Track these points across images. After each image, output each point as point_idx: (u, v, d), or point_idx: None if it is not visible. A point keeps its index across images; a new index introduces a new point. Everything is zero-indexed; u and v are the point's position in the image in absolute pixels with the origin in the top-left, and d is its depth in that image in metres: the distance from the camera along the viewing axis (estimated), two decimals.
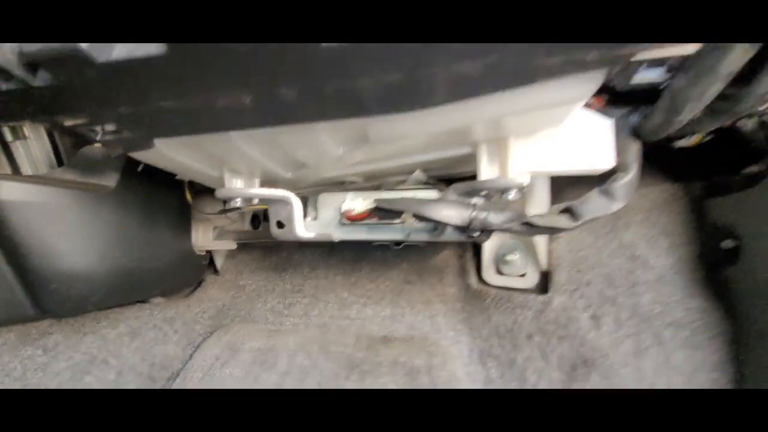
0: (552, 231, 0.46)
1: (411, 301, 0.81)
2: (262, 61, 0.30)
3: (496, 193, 0.50)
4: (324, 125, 0.41)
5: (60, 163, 0.60)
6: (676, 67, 0.31)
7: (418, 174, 0.56)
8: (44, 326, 0.62)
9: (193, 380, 0.73)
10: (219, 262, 0.96)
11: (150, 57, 0.30)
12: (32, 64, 0.31)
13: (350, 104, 0.34)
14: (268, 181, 0.59)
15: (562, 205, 0.46)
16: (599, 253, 0.60)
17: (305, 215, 0.63)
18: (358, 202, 0.57)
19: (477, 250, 0.80)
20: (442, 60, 0.30)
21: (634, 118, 0.47)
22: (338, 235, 0.59)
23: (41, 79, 0.32)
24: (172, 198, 0.75)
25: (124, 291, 0.68)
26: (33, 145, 0.58)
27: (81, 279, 0.59)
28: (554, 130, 0.46)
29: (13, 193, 0.52)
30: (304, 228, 0.60)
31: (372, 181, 0.62)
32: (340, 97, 0.33)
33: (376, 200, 0.48)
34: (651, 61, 0.30)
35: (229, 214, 0.82)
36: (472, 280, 0.77)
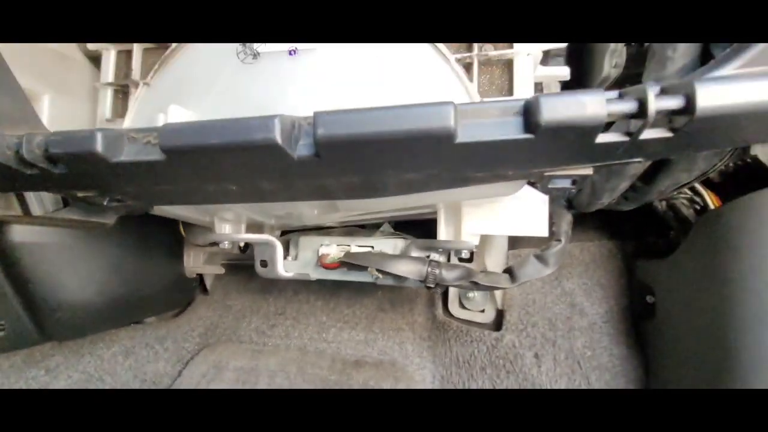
0: (494, 289, 0.54)
1: (383, 327, 0.88)
2: (245, 166, 0.37)
3: (450, 250, 0.58)
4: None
5: (65, 204, 0.66)
6: (581, 180, 0.39)
7: (386, 227, 0.64)
8: (47, 349, 0.69)
9: None
10: (208, 282, 1.02)
11: (152, 161, 0.37)
12: (54, 159, 0.38)
13: (320, 194, 0.42)
14: (253, 225, 0.67)
15: (518, 253, 0.53)
16: (545, 297, 0.68)
17: (287, 255, 0.70)
18: (333, 248, 0.64)
19: None
20: (392, 172, 0.37)
21: (569, 192, 0.55)
22: (315, 275, 0.67)
23: (60, 168, 0.39)
24: (166, 231, 0.82)
25: (120, 315, 0.74)
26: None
27: (82, 308, 0.66)
28: (498, 201, 0.54)
29: (24, 235, 0.58)
30: (284, 268, 0.67)
31: (347, 225, 0.70)
32: (311, 189, 0.41)
33: (345, 255, 0.56)
34: (559, 176, 0.38)
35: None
36: (439, 311, 0.85)
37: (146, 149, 0.37)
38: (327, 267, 0.61)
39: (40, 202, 0.66)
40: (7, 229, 0.56)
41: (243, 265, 1.07)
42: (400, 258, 0.56)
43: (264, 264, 0.68)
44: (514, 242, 0.75)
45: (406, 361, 0.82)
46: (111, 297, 0.70)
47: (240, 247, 1.00)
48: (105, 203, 0.47)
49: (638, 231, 0.63)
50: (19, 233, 0.57)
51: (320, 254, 0.64)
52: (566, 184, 0.40)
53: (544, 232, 0.53)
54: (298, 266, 0.68)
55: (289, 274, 0.67)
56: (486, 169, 0.36)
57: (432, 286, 0.57)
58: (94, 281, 0.67)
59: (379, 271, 0.55)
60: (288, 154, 0.34)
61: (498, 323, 0.75)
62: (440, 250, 0.58)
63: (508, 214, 0.54)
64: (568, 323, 0.65)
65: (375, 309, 0.91)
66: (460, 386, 0.74)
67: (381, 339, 0.87)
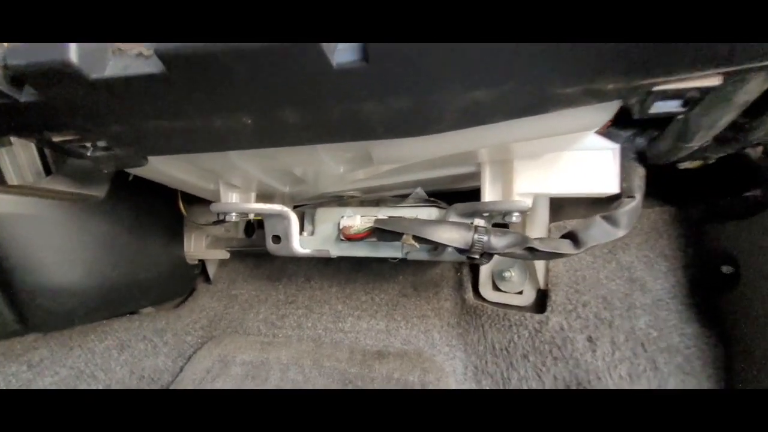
0: (554, 256, 0.45)
1: (406, 314, 0.80)
2: (265, 83, 0.29)
3: (498, 215, 0.50)
4: (326, 146, 0.40)
5: (48, 171, 0.58)
6: (695, 99, 0.31)
7: (420, 192, 0.56)
8: (29, 341, 0.60)
9: None
10: (212, 270, 0.94)
11: (147, 75, 0.28)
12: (18, 79, 0.30)
13: (355, 128, 0.33)
14: (264, 195, 0.58)
15: (563, 225, 0.45)
16: (597, 273, 0.60)
17: (302, 230, 0.61)
18: (357, 219, 0.56)
19: (473, 265, 0.80)
20: (455, 87, 0.29)
21: (641, 141, 0.46)
22: (336, 251, 0.58)
23: (27, 95, 0.30)
24: (165, 208, 0.74)
25: (113, 304, 0.66)
26: (19, 153, 0.55)
27: (68, 293, 0.57)
28: (558, 155, 0.46)
29: None
30: (300, 244, 0.58)
31: (371, 196, 0.62)
32: (345, 121, 0.32)
33: (376, 221, 0.47)
34: (669, 92, 0.30)
35: (224, 223, 0.81)
36: (469, 295, 0.76)
37: (138, 62, 0.28)
38: (351, 238, 0.53)
39: (17, 169, 0.57)
40: None
41: (249, 253, 0.98)
42: (440, 223, 0.47)
43: (277, 240, 0.60)
44: (556, 213, 0.67)
45: (434, 351, 0.74)
46: (101, 281, 0.61)
47: (246, 232, 0.92)
48: (89, 153, 0.38)
49: (707, 191, 0.55)
50: None
51: (342, 226, 0.56)
52: (674, 107, 0.32)
53: (614, 188, 0.45)
54: (315, 242, 0.59)
55: (305, 251, 0.59)
56: (579, 80, 0.28)
57: (477, 256, 0.49)
58: (80, 262, 0.58)
59: (416, 239, 0.46)
60: (326, 60, 0.25)
61: (540, 305, 0.67)
62: (486, 214, 0.49)
63: (571, 168, 0.46)
64: (626, 301, 0.56)
65: (396, 295, 0.82)
66: (497, 376, 0.66)
67: (404, 327, 0.78)
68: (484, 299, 0.75)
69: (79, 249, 0.58)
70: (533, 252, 0.45)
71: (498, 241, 0.46)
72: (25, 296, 0.54)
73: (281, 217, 0.57)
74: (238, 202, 0.55)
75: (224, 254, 0.83)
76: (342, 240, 0.58)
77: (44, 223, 0.54)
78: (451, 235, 0.46)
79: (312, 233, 0.61)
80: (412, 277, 0.84)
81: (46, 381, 0.61)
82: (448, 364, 0.71)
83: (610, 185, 0.45)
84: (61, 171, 0.58)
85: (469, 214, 0.50)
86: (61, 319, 0.58)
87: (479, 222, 0.50)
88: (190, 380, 0.74)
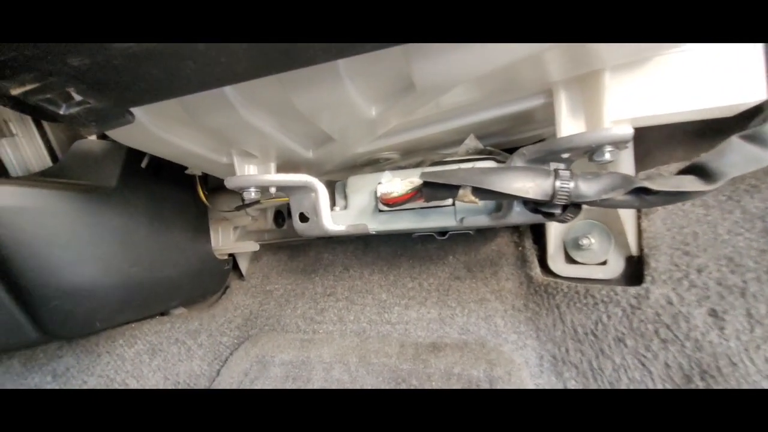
0: (676, 198, 0.33)
1: (461, 299, 0.69)
2: None
3: (581, 156, 0.38)
4: (351, 72, 0.30)
5: (54, 157, 0.52)
6: None
7: (471, 141, 0.45)
8: (52, 349, 0.55)
9: None
10: (244, 266, 0.88)
11: None
12: None
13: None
14: (286, 165, 0.49)
15: (656, 173, 0.33)
16: (714, 228, 0.46)
17: (333, 205, 0.52)
18: (397, 183, 0.45)
19: (538, 235, 0.67)
20: None
21: None
22: (375, 225, 0.49)
23: None
24: (185, 197, 0.67)
25: (137, 304, 0.60)
26: (21, 143, 0.51)
27: (85, 294, 0.52)
28: (669, 57, 0.33)
29: None
30: (332, 220, 0.49)
31: (411, 158, 0.51)
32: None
33: (423, 174, 0.37)
34: None
35: (250, 211, 0.74)
36: (536, 271, 0.64)
37: None
38: (393, 203, 0.43)
39: (21, 160, 0.52)
40: None
41: (281, 245, 0.91)
42: (509, 170, 0.36)
43: (304, 218, 0.51)
44: (640, 161, 0.53)
45: (499, 340, 0.63)
46: (121, 279, 0.55)
47: (276, 223, 0.84)
48: (62, 111, 0.30)
49: None
50: None
51: (380, 193, 0.46)
52: None
53: (760, 94, 0.32)
54: (350, 216, 0.50)
55: (339, 228, 0.49)
56: None
57: (558, 211, 0.37)
58: (97, 258, 0.52)
59: (477, 193, 0.35)
60: None
61: (633, 276, 0.53)
62: (565, 155, 0.38)
63: (692, 75, 0.33)
64: (763, 260, 0.42)
65: (447, 278, 0.72)
66: (584, 366, 0.54)
67: (460, 315, 0.67)
68: (555, 275, 0.62)
69: (92, 244, 0.52)
70: (644, 195, 0.33)
71: (589, 185, 0.34)
72: (38, 299, 0.48)
73: (307, 189, 0.48)
74: (255, 173, 0.46)
75: (254, 246, 0.76)
76: (381, 211, 0.48)
77: (52, 216, 0.48)
78: (525, 184, 0.35)
79: (345, 207, 0.51)
80: (464, 257, 0.72)
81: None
82: (518, 355, 0.60)
83: (755, 92, 0.32)
84: (67, 158, 0.53)
85: (541, 159, 0.39)
86: (81, 323, 0.53)
87: (558, 166, 0.38)
88: (227, 384, 0.67)
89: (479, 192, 0.36)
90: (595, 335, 0.53)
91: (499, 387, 0.55)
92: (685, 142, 0.52)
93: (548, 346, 0.59)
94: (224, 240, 0.77)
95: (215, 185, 0.75)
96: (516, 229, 0.71)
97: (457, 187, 0.36)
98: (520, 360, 0.59)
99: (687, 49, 0.32)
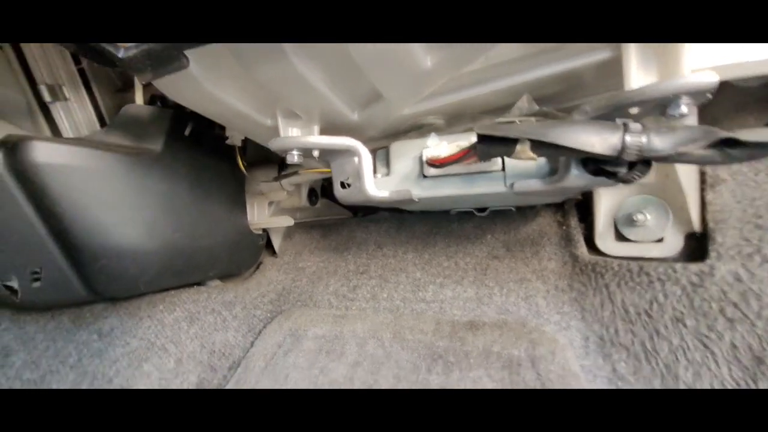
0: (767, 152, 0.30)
1: (499, 279, 0.67)
2: None
3: (651, 111, 0.35)
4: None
5: (102, 121, 0.54)
6: None
7: (525, 101, 0.42)
8: (98, 309, 0.57)
9: (255, 370, 0.65)
10: (277, 243, 0.88)
11: None
12: None
13: None
14: (329, 129, 0.49)
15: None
16: None
17: (375, 173, 0.51)
18: (444, 147, 0.44)
19: (584, 213, 0.64)
20: None
21: None
22: (418, 191, 0.47)
23: None
24: (224, 168, 0.68)
25: (177, 271, 0.61)
26: (74, 107, 0.52)
27: (130, 255, 0.53)
28: None
29: (51, 155, 0.45)
30: (374, 185, 0.48)
31: (457, 124, 0.49)
32: None
33: (479, 127, 0.35)
34: None
35: (285, 187, 0.74)
36: (582, 250, 0.61)
37: None
38: (443, 163, 0.41)
39: (72, 122, 0.54)
40: (27, 146, 0.44)
41: (313, 224, 0.91)
42: (573, 124, 0.34)
43: (345, 185, 0.50)
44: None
45: (540, 320, 0.60)
46: (164, 244, 0.56)
47: (309, 201, 0.84)
48: (121, 54, 0.30)
49: None
50: (43, 152, 0.44)
51: (427, 157, 0.45)
52: None
53: None
54: (393, 182, 0.49)
55: (382, 194, 0.48)
56: None
57: (625, 169, 0.35)
58: (142, 222, 0.53)
59: (537, 148, 0.33)
60: None
61: (694, 254, 0.50)
62: (634, 110, 0.35)
63: None
64: None
65: (485, 257, 0.70)
66: (636, 348, 0.50)
67: (498, 294, 0.65)
68: (604, 254, 0.59)
69: (137, 207, 0.53)
70: (729, 149, 0.30)
71: (664, 138, 0.32)
72: (88, 257, 0.50)
73: (350, 153, 0.47)
74: (299, 135, 0.46)
75: (289, 221, 0.76)
76: (426, 177, 0.47)
77: (102, 177, 0.49)
78: (590, 138, 0.33)
79: (387, 174, 0.50)
80: (503, 236, 0.70)
81: (117, 351, 0.57)
82: (562, 335, 0.57)
83: None
84: (115, 122, 0.54)
85: (606, 116, 0.36)
86: (125, 285, 0.54)
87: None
88: (261, 355, 0.68)
89: (539, 147, 0.34)
90: (649, 315, 0.50)
91: (542, 367, 0.53)
92: (758, 110, 0.48)
93: (595, 327, 0.56)
94: (259, 215, 0.78)
95: (252, 159, 0.75)
96: (560, 207, 0.67)
97: (514, 142, 0.34)
98: (565, 340, 0.57)
99: None
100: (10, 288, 0.45)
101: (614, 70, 0.37)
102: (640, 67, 0.34)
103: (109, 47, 0.30)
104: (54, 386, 0.50)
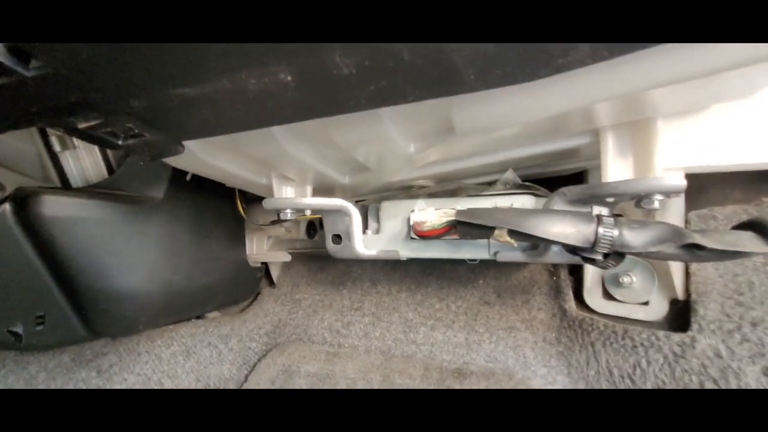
0: (730, 257, 0.31)
1: (489, 326, 0.67)
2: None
3: (626, 200, 0.36)
4: (392, 114, 0.30)
5: (110, 169, 0.56)
6: None
7: (510, 175, 0.44)
8: (98, 346, 0.59)
9: None
10: (275, 273, 0.90)
11: None
12: (21, 51, 0.24)
13: (436, 76, 0.23)
14: (322, 188, 0.50)
15: (709, 214, 0.30)
16: None
17: (365, 228, 0.53)
18: (430, 213, 0.45)
19: (574, 266, 0.65)
20: None
21: None
22: (406, 252, 0.48)
23: (34, 69, 0.25)
24: (225, 208, 0.70)
25: (177, 309, 0.63)
26: (82, 155, 0.55)
27: (130, 298, 0.55)
28: (728, 106, 0.31)
29: (58, 208, 0.48)
30: (363, 244, 0.50)
31: (447, 185, 0.51)
32: (422, 66, 0.22)
33: (458, 213, 0.36)
34: None
35: (283, 223, 0.76)
36: (570, 304, 0.62)
37: None
38: (425, 235, 0.43)
39: (81, 171, 0.56)
40: (36, 200, 0.46)
41: (312, 255, 0.93)
42: (548, 213, 0.35)
43: (337, 239, 0.52)
44: (693, 199, 0.50)
45: (527, 372, 0.61)
46: (164, 286, 0.58)
47: (308, 233, 0.86)
48: (120, 142, 0.33)
49: None
50: (51, 206, 0.47)
51: (413, 222, 0.46)
52: None
53: None
54: (381, 241, 0.50)
55: (370, 252, 0.50)
56: None
57: (600, 257, 0.36)
58: (143, 266, 0.56)
59: (514, 235, 0.35)
60: None
61: (677, 321, 0.50)
62: (609, 200, 0.36)
63: (752, 124, 0.31)
64: None
65: (476, 302, 0.70)
66: None
67: (488, 341, 0.66)
68: (591, 310, 0.60)
69: (139, 253, 0.55)
70: (696, 251, 0.31)
71: (636, 235, 0.33)
72: (89, 301, 0.52)
73: (341, 213, 0.49)
74: (293, 197, 0.47)
75: (286, 256, 0.78)
76: (413, 238, 0.48)
77: (106, 227, 0.52)
78: (565, 229, 0.34)
79: (377, 231, 0.52)
80: (495, 282, 0.71)
81: (115, 387, 0.59)
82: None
83: None
84: (119, 172, 0.57)
85: (583, 202, 0.37)
86: (127, 324, 0.56)
87: (601, 210, 0.37)
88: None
89: (516, 234, 0.35)
90: (632, 380, 0.51)
91: None
92: (744, 183, 0.48)
93: (580, 384, 0.57)
94: (258, 248, 0.80)
95: (252, 197, 0.77)
96: None
97: (492, 228, 0.35)
98: None
99: (747, 97, 0.30)
100: (14, 334, 0.48)
101: (594, 150, 0.38)
102: (617, 158, 0.35)
103: (110, 138, 0.32)
104: None
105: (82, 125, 0.31)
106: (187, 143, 0.37)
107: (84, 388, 0.56)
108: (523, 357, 0.62)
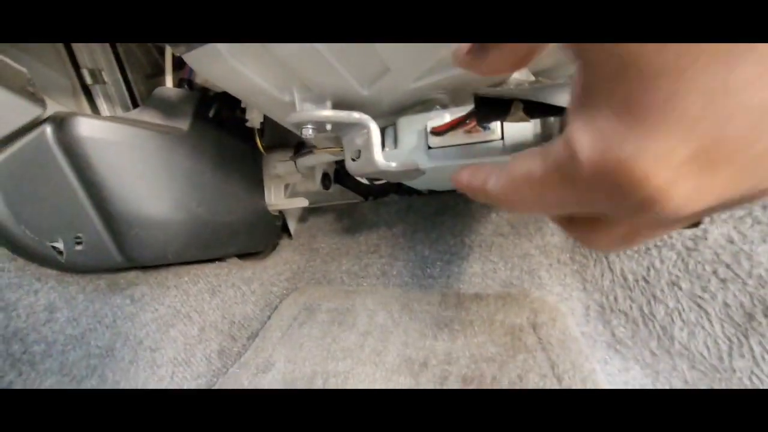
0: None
1: (504, 255, 0.69)
2: None
3: None
4: None
5: (134, 102, 0.59)
6: None
7: (521, 73, 0.45)
8: (131, 277, 0.62)
9: (272, 339, 0.70)
10: (292, 225, 0.93)
11: None
12: None
13: None
14: (341, 105, 0.53)
15: None
16: None
17: (384, 148, 0.55)
18: (446, 117, 0.47)
19: None
20: None
21: None
22: (425, 162, 0.50)
23: None
24: (244, 149, 0.73)
25: (201, 243, 0.66)
26: (111, 90, 0.57)
27: (159, 225, 0.58)
28: None
29: (93, 130, 0.51)
30: (383, 157, 0.52)
31: (461, 98, 0.53)
32: None
33: (474, 94, 0.38)
34: None
35: (299, 167, 0.78)
36: None
37: None
38: (442, 130, 0.45)
39: (109, 103, 0.59)
40: (73, 121, 0.49)
41: (327, 208, 0.95)
42: (563, 86, 0.37)
43: (357, 155, 0.54)
44: None
45: (543, 291, 0.63)
46: (189, 216, 0.61)
47: (323, 182, 0.88)
48: None
49: None
50: (86, 127, 0.50)
51: (430, 128, 0.48)
52: None
53: None
54: (400, 154, 0.52)
55: (390, 164, 0.52)
56: None
57: None
58: (170, 194, 0.58)
59: (530, 106, 0.36)
60: None
61: None
62: None
63: None
64: None
65: (490, 235, 0.72)
66: (634, 313, 0.53)
67: (503, 269, 0.68)
68: None
69: (166, 181, 0.58)
70: None
71: None
72: (123, 225, 0.55)
73: (360, 127, 0.51)
74: (313, 109, 0.50)
75: (304, 202, 0.80)
76: (431, 147, 0.50)
77: (134, 151, 0.54)
78: None
79: (395, 146, 0.54)
80: (509, 214, 0.73)
81: (147, 316, 0.62)
82: (563, 305, 0.60)
83: None
84: (147, 103, 0.59)
85: None
86: (156, 252, 0.59)
87: None
88: (277, 327, 0.72)
89: (531, 108, 0.37)
90: (646, 281, 0.52)
91: (543, 332, 0.55)
92: None
93: (595, 296, 0.58)
94: (276, 196, 0.82)
95: (270, 143, 0.80)
96: None
97: (509, 103, 0.37)
98: (566, 308, 0.59)
99: None
100: (56, 249, 0.50)
101: None
102: None
103: None
104: (93, 343, 0.55)
105: None
106: (217, 45, 0.39)
107: (119, 314, 0.59)
108: (538, 279, 0.64)
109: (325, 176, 0.89)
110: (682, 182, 0.13)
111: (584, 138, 0.14)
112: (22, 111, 0.45)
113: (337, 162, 0.83)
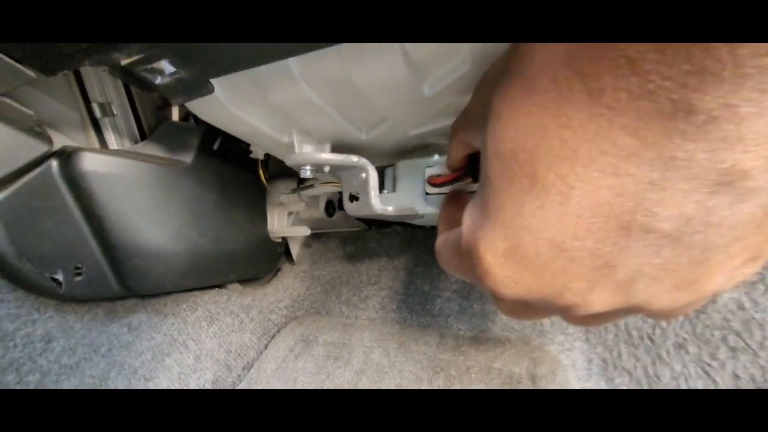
0: None
1: None
2: None
3: None
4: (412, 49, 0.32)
5: (142, 135, 0.60)
6: None
7: None
8: (129, 305, 0.63)
9: (267, 371, 0.69)
10: (295, 251, 0.93)
11: None
12: None
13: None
14: (340, 147, 0.52)
15: None
16: None
17: (382, 189, 0.54)
18: (445, 167, 0.46)
19: None
20: None
21: None
22: (422, 207, 0.50)
23: None
24: (248, 180, 0.73)
25: (200, 272, 0.66)
26: (120, 122, 0.59)
27: (158, 256, 0.58)
28: None
29: (98, 164, 0.52)
30: (379, 201, 0.51)
31: None
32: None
33: (471, 155, 0.37)
34: None
35: (302, 196, 0.78)
36: None
37: None
38: (441, 182, 0.44)
39: (117, 136, 0.61)
40: (78, 156, 0.50)
41: (330, 234, 0.95)
42: None
43: (353, 198, 0.53)
44: None
45: (544, 339, 0.60)
46: (189, 247, 0.62)
47: (326, 210, 0.88)
48: (158, 81, 0.36)
49: None
50: (91, 162, 0.51)
51: (428, 176, 0.47)
52: None
53: None
54: (398, 198, 0.52)
55: (387, 208, 0.51)
56: None
57: None
58: (171, 225, 0.59)
59: None
60: None
61: None
62: None
63: None
64: None
65: None
66: (638, 373, 0.50)
67: None
68: None
69: (168, 212, 0.58)
70: None
71: None
72: (122, 256, 0.55)
73: (358, 170, 0.50)
74: (312, 152, 0.50)
75: (306, 230, 0.80)
76: (428, 194, 0.50)
77: (137, 185, 0.55)
78: None
79: (393, 190, 0.53)
80: None
81: (143, 345, 0.62)
82: (565, 356, 0.57)
83: None
84: (153, 137, 0.60)
85: None
86: (154, 282, 0.59)
87: None
88: (273, 358, 0.72)
89: None
90: (651, 340, 0.50)
91: (541, 385, 0.53)
92: None
93: (598, 350, 0.56)
94: (279, 224, 0.82)
95: (274, 173, 0.80)
96: None
97: None
98: (567, 360, 0.57)
99: None
100: (56, 280, 0.51)
101: None
102: None
103: (148, 76, 0.35)
104: (87, 373, 0.56)
105: (125, 62, 0.34)
106: (216, 90, 0.40)
107: (115, 342, 0.60)
108: (540, 326, 0.62)
109: (329, 204, 0.89)
110: (500, 268, 0.17)
111: (467, 220, 0.19)
112: (29, 149, 0.47)
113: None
